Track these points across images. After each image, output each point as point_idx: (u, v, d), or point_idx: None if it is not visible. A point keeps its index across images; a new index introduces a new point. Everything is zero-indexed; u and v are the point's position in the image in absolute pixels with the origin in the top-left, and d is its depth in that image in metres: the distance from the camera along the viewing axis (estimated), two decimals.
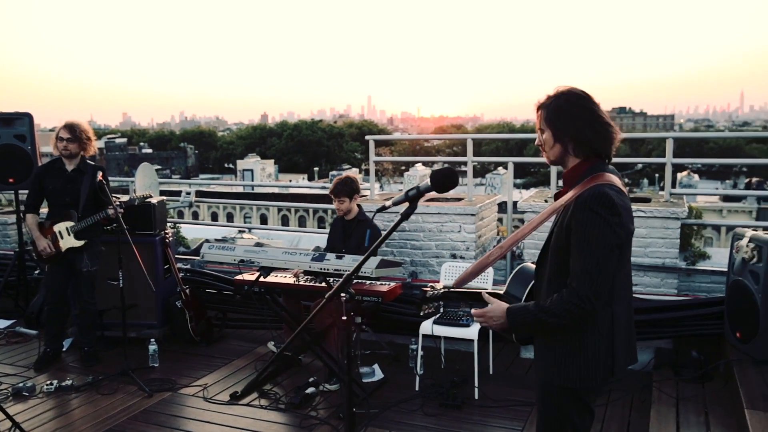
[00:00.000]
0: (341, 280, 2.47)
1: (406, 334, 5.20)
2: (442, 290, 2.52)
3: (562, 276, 2.19)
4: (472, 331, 4.57)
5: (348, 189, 5.02)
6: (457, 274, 5.14)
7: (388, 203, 2.41)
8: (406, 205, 2.36)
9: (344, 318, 2.47)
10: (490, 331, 4.80)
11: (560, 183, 2.37)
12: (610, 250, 2.10)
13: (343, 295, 2.47)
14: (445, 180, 2.29)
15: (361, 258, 2.47)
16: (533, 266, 2.40)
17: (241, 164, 62.46)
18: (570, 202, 2.17)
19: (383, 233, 2.52)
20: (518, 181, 44.81)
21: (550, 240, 2.30)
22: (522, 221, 5.34)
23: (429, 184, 2.29)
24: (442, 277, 5.27)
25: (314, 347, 4.68)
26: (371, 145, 6.64)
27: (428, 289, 2.54)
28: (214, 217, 43.88)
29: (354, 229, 5.06)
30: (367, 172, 6.72)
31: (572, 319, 2.13)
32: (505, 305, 2.28)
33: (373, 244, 2.99)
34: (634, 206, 5.06)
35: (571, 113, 2.21)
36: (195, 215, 41.74)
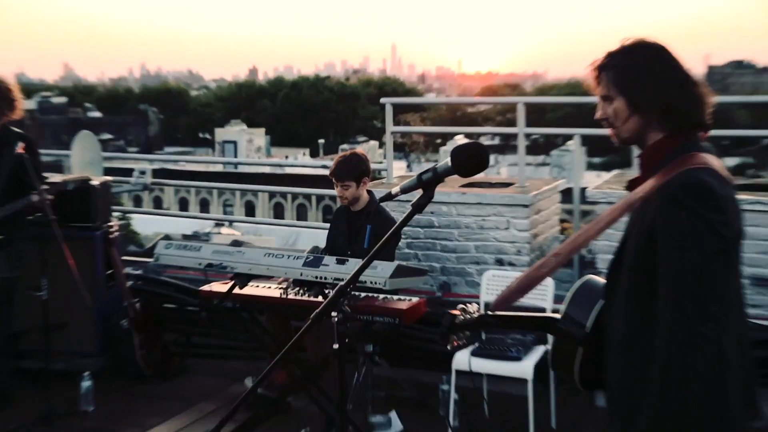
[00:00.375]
0: (332, 293, 2.43)
1: (435, 370, 5.17)
2: (477, 315, 2.46)
3: (644, 294, 2.14)
4: (525, 367, 4.50)
5: (354, 170, 4.98)
6: (504, 287, 5.08)
7: (395, 190, 2.37)
8: (420, 192, 2.32)
9: (336, 346, 2.42)
10: (551, 370, 4.72)
11: None
12: (713, 258, 2.05)
13: (334, 314, 2.42)
14: (470, 159, 2.27)
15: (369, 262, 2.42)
16: (601, 280, 2.37)
17: (220, 134, 63.12)
18: (651, 194, 2.12)
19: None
20: (596, 160, 44.52)
21: (624, 246, 2.25)
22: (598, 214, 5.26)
23: (449, 164, 2.26)
24: (482, 291, 5.22)
25: (307, 386, 4.65)
26: (388, 110, 6.68)
27: (457, 312, 2.48)
28: (184, 204, 44.32)
29: (363, 223, 5.04)
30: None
31: (693, 375, 2.03)
32: None
33: (374, 245, 2.93)
34: (752, 197, 4.98)
35: (652, 71, 2.20)
36: (157, 202, 42.19)
